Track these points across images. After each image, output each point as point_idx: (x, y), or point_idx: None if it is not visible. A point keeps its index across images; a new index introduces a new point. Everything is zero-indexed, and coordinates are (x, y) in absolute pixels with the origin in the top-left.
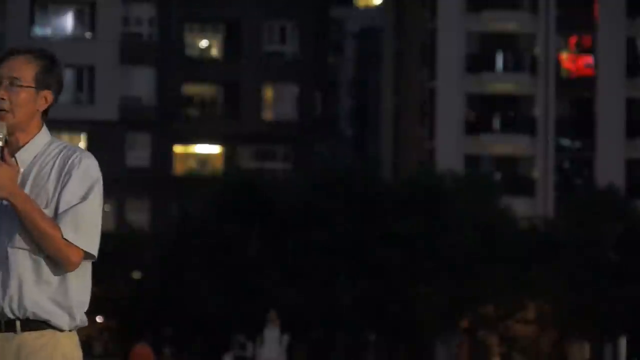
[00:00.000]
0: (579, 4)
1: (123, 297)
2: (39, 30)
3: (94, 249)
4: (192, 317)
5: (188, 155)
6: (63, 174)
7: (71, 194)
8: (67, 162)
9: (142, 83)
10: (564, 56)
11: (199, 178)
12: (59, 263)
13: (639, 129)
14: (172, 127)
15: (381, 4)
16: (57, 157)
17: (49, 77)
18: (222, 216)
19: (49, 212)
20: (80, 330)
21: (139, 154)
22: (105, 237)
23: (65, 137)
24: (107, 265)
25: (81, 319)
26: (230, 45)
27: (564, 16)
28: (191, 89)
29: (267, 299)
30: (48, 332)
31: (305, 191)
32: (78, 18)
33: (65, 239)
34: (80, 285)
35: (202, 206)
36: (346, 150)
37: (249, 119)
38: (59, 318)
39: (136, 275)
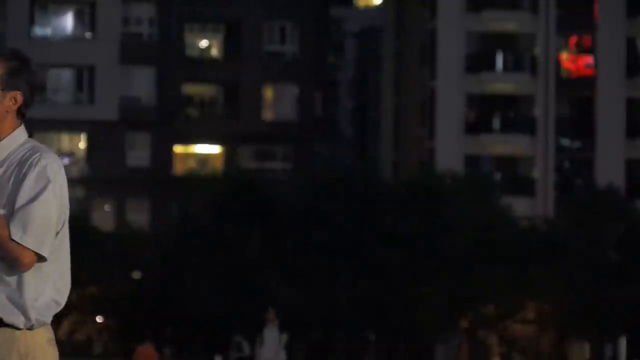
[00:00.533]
0: (579, 4)
1: (123, 297)
2: (39, 30)
3: (43, 249)
4: (192, 317)
5: (188, 155)
6: (21, 175)
7: (24, 194)
8: (27, 162)
9: (142, 83)
10: (564, 56)
11: (199, 178)
12: (11, 263)
13: (639, 129)
14: (172, 127)
15: (381, 4)
16: (22, 159)
17: (17, 78)
18: (222, 216)
19: (6, 212)
20: (80, 330)
21: (139, 154)
22: (105, 237)
23: (65, 137)
24: (107, 265)
25: (37, 319)
26: (230, 45)
27: (564, 16)
28: (191, 89)
29: (266, 299)
30: (6, 330)
31: (305, 191)
32: (78, 18)
33: (13, 240)
34: (39, 285)
35: (202, 206)
36: (346, 150)
37: (249, 119)
38: (13, 317)
39: (136, 275)
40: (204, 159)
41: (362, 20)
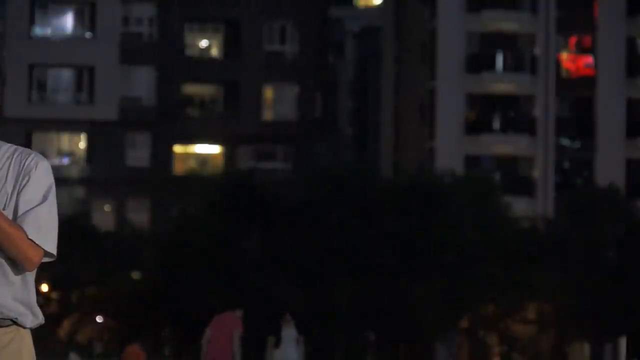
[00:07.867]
0: (579, 4)
1: (123, 297)
2: (39, 30)
3: (54, 248)
4: (191, 317)
5: (188, 155)
6: (21, 176)
7: (32, 195)
8: (24, 164)
9: (142, 83)
10: (564, 56)
11: (199, 178)
12: (19, 263)
13: (639, 129)
14: (172, 127)
15: (381, 4)
16: (12, 160)
17: None
18: (222, 216)
19: (7, 213)
20: (80, 330)
21: (139, 154)
22: (105, 237)
23: (65, 137)
24: (107, 265)
25: (41, 317)
26: (230, 45)
27: (564, 16)
28: (191, 89)
29: (267, 298)
30: (13, 329)
31: (304, 191)
32: (78, 18)
33: (30, 240)
34: (33, 284)
35: (202, 206)
36: (346, 150)
37: (249, 119)
38: (24, 316)
39: (136, 275)
40: (204, 159)
41: (362, 20)
